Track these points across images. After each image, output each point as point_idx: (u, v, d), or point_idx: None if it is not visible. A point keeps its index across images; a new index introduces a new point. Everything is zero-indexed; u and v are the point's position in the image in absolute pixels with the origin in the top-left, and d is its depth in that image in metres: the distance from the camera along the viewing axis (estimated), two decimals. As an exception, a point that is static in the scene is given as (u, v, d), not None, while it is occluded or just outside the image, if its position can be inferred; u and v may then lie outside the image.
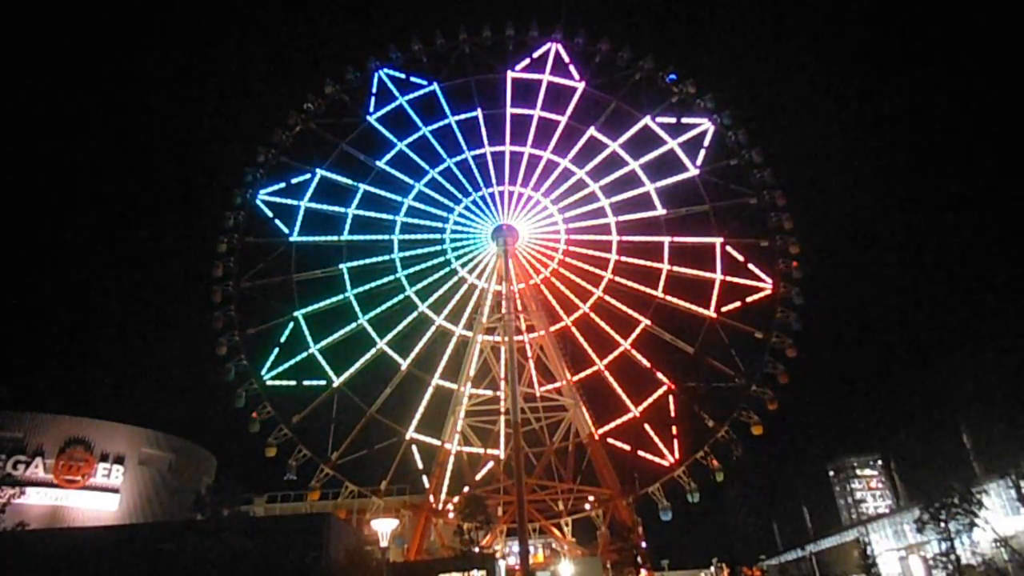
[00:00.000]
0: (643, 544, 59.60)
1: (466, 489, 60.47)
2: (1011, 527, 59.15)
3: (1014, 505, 61.29)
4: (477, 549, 48.38)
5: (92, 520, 50.60)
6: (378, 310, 64.89)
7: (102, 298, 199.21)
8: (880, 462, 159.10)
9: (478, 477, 64.58)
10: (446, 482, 64.18)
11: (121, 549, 37.93)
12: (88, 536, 41.90)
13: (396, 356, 64.37)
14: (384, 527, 34.28)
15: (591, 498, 63.94)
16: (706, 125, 68.36)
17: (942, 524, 48.93)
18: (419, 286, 66.25)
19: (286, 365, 62.49)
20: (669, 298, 65.25)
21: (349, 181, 67.70)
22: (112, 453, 54.28)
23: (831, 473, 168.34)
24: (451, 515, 60.37)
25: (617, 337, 65.31)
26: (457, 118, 69.27)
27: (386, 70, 70.52)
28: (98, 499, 52.73)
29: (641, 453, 62.38)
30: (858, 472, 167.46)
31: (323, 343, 63.54)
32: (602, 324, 66.08)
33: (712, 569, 71.00)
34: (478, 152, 68.79)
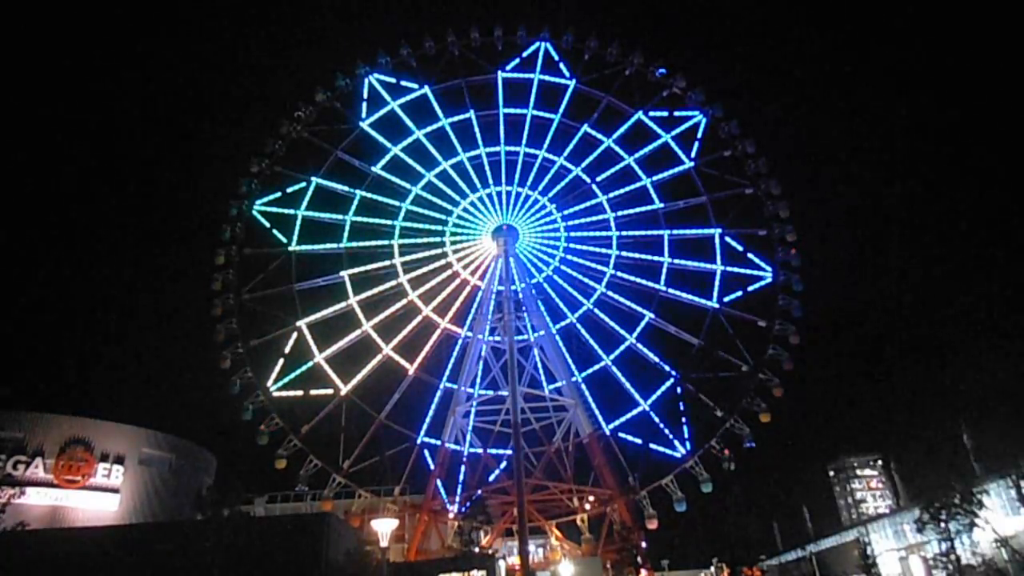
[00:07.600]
0: (643, 544, 59.57)
1: (480, 492, 60.42)
2: (1011, 527, 58.82)
3: (1014, 505, 60.93)
4: (477, 549, 48.40)
5: (92, 520, 50.36)
6: (382, 316, 64.86)
7: (102, 298, 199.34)
8: (880, 462, 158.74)
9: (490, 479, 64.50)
10: (458, 482, 64.05)
11: (121, 549, 37.75)
12: (88, 536, 41.72)
13: (402, 361, 64.41)
14: (384, 527, 34.24)
15: (591, 498, 63.93)
16: (698, 118, 69.02)
17: (942, 524, 48.63)
18: (422, 290, 66.28)
19: (292, 375, 62.52)
20: (671, 291, 65.66)
21: (345, 188, 67.72)
22: (112, 453, 54.03)
23: (831, 473, 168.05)
24: (451, 515, 60.30)
25: (622, 332, 65.55)
26: (450, 120, 69.47)
27: (376, 75, 70.55)
28: (98, 499, 52.50)
29: (653, 446, 62.74)
30: (858, 472, 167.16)
31: (328, 351, 63.45)
32: (606, 320, 66.37)
33: (712, 569, 70.80)
34: (473, 154, 69.02)
